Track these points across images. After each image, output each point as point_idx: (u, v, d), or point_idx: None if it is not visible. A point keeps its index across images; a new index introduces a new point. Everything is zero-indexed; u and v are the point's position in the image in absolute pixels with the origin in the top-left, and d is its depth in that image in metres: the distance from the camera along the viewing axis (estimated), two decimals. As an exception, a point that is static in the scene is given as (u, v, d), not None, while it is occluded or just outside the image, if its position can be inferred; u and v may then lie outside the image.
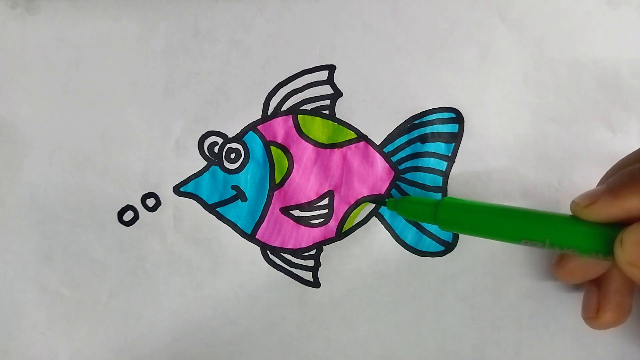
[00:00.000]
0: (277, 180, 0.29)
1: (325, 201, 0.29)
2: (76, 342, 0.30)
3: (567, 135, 0.29)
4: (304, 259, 0.29)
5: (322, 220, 0.29)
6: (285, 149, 0.30)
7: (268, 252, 0.29)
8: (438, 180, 0.29)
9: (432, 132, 0.29)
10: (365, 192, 0.29)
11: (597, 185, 0.24)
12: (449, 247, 0.29)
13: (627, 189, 0.21)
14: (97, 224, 0.30)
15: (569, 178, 0.28)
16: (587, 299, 0.26)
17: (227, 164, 0.30)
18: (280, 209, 0.30)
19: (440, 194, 0.29)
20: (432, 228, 0.29)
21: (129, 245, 0.30)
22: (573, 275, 0.26)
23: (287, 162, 0.29)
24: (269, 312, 0.29)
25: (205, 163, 0.30)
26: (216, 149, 0.30)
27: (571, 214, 0.23)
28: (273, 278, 0.29)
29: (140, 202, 0.30)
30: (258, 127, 0.30)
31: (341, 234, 0.29)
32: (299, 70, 0.30)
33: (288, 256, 0.29)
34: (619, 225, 0.21)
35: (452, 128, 0.29)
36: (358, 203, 0.29)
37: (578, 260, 0.25)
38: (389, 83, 0.29)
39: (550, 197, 0.28)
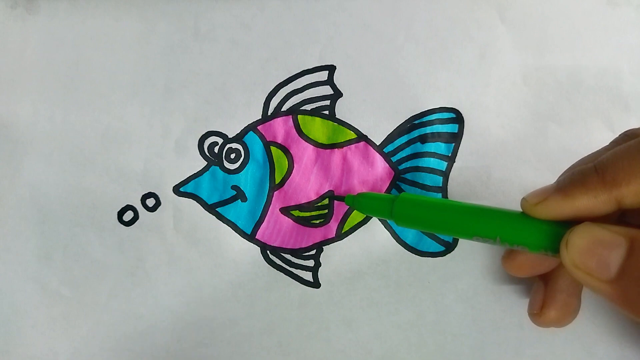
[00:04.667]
0: (277, 181, 0.29)
1: (325, 201, 0.29)
2: (76, 342, 0.30)
3: (567, 135, 0.29)
4: (304, 259, 0.29)
5: (322, 220, 0.29)
6: (285, 149, 0.30)
7: (268, 252, 0.29)
8: (438, 180, 0.29)
9: (432, 132, 0.29)
10: (365, 192, 0.29)
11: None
12: (449, 247, 0.29)
13: (577, 188, 0.20)
14: (97, 224, 0.30)
15: (569, 178, 0.28)
16: (533, 295, 0.26)
17: (227, 164, 0.30)
18: (280, 209, 0.29)
19: (440, 194, 0.29)
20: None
21: (129, 245, 0.30)
22: (522, 269, 0.25)
23: (287, 162, 0.29)
24: (268, 313, 0.29)
25: (205, 163, 0.30)
26: (216, 149, 0.30)
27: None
28: (273, 278, 0.29)
29: (140, 202, 0.30)
30: (258, 127, 0.30)
31: (341, 234, 0.29)
32: (299, 71, 0.30)
33: (288, 256, 0.29)
34: (569, 224, 0.20)
35: (452, 128, 0.29)
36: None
37: (527, 255, 0.24)
38: (389, 83, 0.29)
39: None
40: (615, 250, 0.19)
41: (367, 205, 0.27)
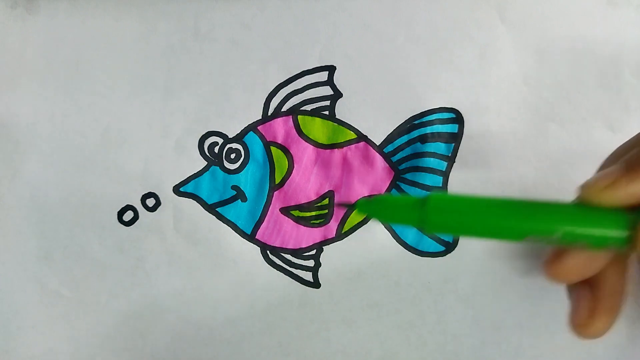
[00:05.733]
0: (277, 181, 0.29)
1: (325, 201, 0.29)
2: (76, 342, 0.30)
3: (567, 135, 0.29)
4: (304, 259, 0.29)
5: (322, 220, 0.29)
6: (285, 149, 0.30)
7: (268, 252, 0.29)
8: (438, 180, 0.29)
9: (432, 132, 0.29)
10: (365, 192, 0.29)
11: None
12: (449, 247, 0.29)
13: None
14: (97, 224, 0.30)
15: (569, 178, 0.28)
16: (577, 303, 0.23)
17: (227, 164, 0.30)
18: (280, 209, 0.29)
19: (441, 190, 0.29)
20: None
21: (129, 245, 0.30)
22: (570, 273, 0.22)
23: (287, 163, 0.29)
24: (269, 312, 0.29)
25: (205, 163, 0.30)
26: (216, 149, 0.30)
27: (577, 201, 0.20)
28: (273, 278, 0.29)
29: (140, 202, 0.30)
30: (258, 127, 0.30)
31: (341, 234, 0.29)
32: (299, 71, 0.30)
33: (288, 256, 0.29)
34: (634, 212, 0.18)
35: (452, 128, 0.29)
36: (358, 203, 0.29)
37: (576, 256, 0.21)
38: (389, 83, 0.29)
39: (550, 198, 0.28)
40: None
41: (386, 213, 0.22)
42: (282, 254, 0.29)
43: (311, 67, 0.30)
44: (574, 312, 0.23)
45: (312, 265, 0.29)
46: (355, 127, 0.29)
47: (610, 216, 0.19)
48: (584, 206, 0.19)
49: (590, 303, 0.22)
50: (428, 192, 0.21)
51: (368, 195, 0.29)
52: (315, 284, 0.29)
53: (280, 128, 0.30)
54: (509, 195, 0.20)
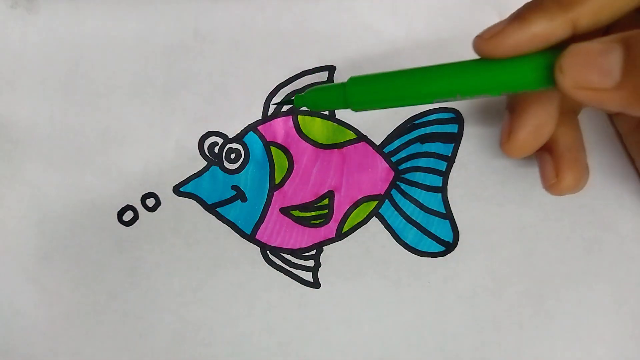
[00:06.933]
0: (277, 181, 0.29)
1: (325, 201, 0.29)
2: (76, 342, 0.30)
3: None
4: (304, 259, 0.29)
5: (322, 220, 0.29)
6: (285, 150, 0.30)
7: (268, 252, 0.29)
8: (438, 181, 0.29)
9: (432, 132, 0.29)
10: (365, 193, 0.29)
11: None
12: (449, 247, 0.29)
13: (533, 12, 0.20)
14: (97, 224, 0.30)
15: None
16: (543, 169, 0.25)
17: (227, 164, 0.30)
18: (280, 209, 0.30)
19: (440, 194, 0.29)
20: (433, 228, 0.29)
21: (129, 245, 0.30)
22: (524, 146, 0.24)
23: (287, 163, 0.29)
24: (268, 313, 0.29)
25: (205, 163, 0.30)
26: (216, 149, 0.30)
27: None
28: (273, 278, 0.29)
29: (140, 202, 0.30)
30: (258, 127, 0.30)
31: (341, 234, 0.29)
32: (299, 71, 0.30)
33: (288, 256, 0.29)
34: (523, 58, 0.20)
35: (452, 128, 0.29)
36: (358, 203, 0.29)
37: (524, 128, 0.24)
38: (389, 83, 0.29)
39: (550, 197, 0.28)
40: (612, 54, 0.18)
41: (318, 100, 0.25)
42: (282, 254, 0.29)
43: (311, 67, 0.30)
44: (543, 177, 0.25)
45: (312, 265, 0.29)
46: (355, 127, 0.29)
47: (502, 67, 0.21)
48: (482, 62, 0.21)
49: (553, 164, 0.25)
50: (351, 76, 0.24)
51: (301, 88, 0.29)
52: (315, 284, 0.29)
53: (280, 128, 0.30)
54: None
